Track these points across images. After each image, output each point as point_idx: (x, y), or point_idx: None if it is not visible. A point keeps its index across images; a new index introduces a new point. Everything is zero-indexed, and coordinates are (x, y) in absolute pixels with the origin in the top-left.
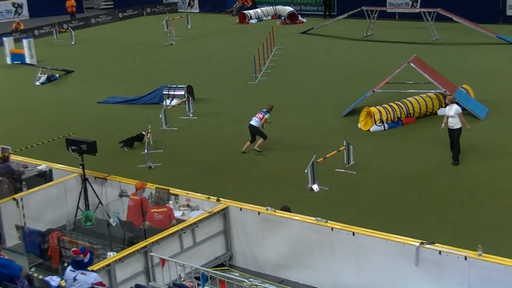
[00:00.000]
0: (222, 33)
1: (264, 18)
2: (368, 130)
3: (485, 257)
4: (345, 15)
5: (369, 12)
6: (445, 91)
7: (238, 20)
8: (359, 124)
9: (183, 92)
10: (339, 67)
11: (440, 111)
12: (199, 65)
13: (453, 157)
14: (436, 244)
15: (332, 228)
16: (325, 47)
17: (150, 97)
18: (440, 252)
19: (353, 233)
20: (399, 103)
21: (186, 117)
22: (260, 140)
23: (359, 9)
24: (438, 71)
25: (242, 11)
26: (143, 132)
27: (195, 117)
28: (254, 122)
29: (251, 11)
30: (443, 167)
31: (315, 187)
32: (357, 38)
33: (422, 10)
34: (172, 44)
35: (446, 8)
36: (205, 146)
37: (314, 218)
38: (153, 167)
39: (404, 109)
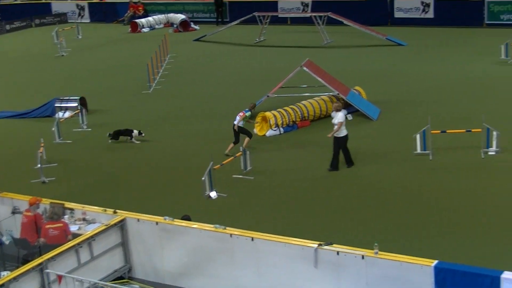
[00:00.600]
0: (114, 43)
1: (157, 26)
2: (264, 135)
3: (381, 254)
4: (238, 21)
5: (261, 17)
6: (338, 93)
7: (130, 29)
8: (255, 129)
9: (76, 104)
10: (234, 73)
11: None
12: (92, 76)
13: (346, 161)
14: (334, 245)
15: (231, 235)
16: (218, 54)
17: (41, 110)
18: (338, 253)
19: (252, 238)
20: (293, 107)
21: (80, 129)
22: (246, 140)
23: (251, 15)
24: (331, 74)
25: (134, 20)
26: (135, 131)
27: (89, 129)
28: (236, 121)
29: (143, 20)
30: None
31: (213, 194)
32: (251, 44)
33: (313, 14)
34: (63, 55)
35: (337, 11)
36: (100, 158)
37: (212, 226)
38: (47, 181)
39: (299, 113)
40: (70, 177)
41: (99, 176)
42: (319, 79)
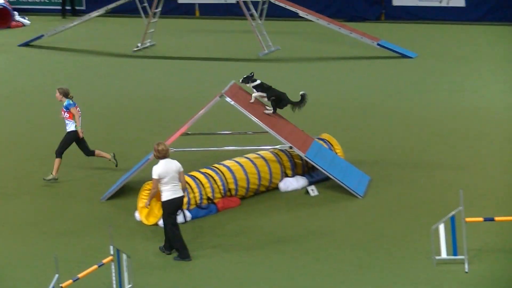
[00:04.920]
0: None
1: None
2: (156, 224)
3: None
4: (101, 11)
5: (147, 4)
6: (290, 147)
7: None
8: (137, 215)
9: None
10: (93, 105)
11: (285, 184)
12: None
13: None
14: None
15: None
16: (65, 71)
17: None
18: None
19: None
20: (208, 171)
21: None
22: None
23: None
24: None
25: None
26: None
27: None
28: None
29: None
30: None
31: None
32: (126, 54)
33: None
34: None
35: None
36: None
37: None
38: None
39: (220, 183)
40: None
41: None
42: (255, 119)
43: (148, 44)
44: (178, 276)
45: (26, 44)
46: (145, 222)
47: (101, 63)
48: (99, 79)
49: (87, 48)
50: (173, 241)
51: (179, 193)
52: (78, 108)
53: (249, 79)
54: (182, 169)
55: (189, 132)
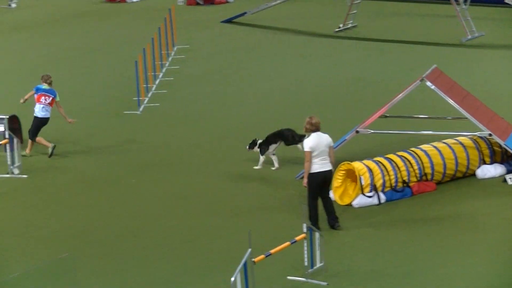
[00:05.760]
0: (76, 19)
1: None
2: (350, 204)
3: None
4: None
5: None
6: (490, 134)
7: None
8: (332, 194)
9: (1, 129)
10: (290, 84)
11: (482, 171)
12: (36, 79)
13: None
14: None
15: None
16: (265, 48)
17: None
18: None
19: None
20: (405, 155)
21: (7, 175)
22: None
23: None
24: (477, 98)
25: None
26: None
27: (25, 176)
28: None
29: None
30: None
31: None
32: (327, 34)
33: None
34: None
35: None
36: (41, 229)
37: None
38: None
39: (416, 166)
40: None
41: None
42: (456, 105)
43: (350, 25)
44: (373, 256)
45: (229, 21)
46: (339, 202)
47: (302, 42)
48: (299, 59)
49: (288, 27)
50: (309, 211)
51: (327, 167)
52: None
53: (254, 144)
54: (332, 144)
55: (387, 115)
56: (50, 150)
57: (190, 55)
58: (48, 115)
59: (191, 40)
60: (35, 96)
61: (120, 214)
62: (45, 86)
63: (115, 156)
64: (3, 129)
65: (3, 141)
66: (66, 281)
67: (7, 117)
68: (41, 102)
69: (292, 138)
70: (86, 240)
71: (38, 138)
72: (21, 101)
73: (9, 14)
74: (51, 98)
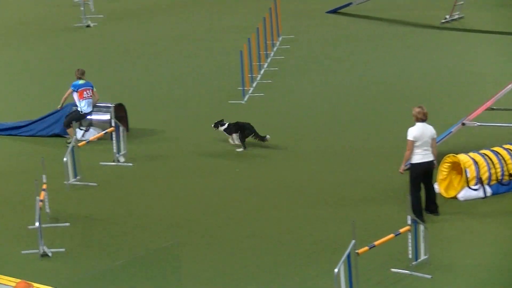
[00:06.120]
0: (178, 7)
1: None
2: (455, 197)
3: None
4: None
5: None
6: None
7: None
8: (437, 187)
9: (107, 117)
10: (397, 77)
11: None
12: (138, 67)
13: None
14: None
15: None
16: (371, 40)
17: (45, 123)
18: None
19: None
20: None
21: (113, 163)
22: None
23: None
24: None
25: None
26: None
27: (130, 164)
28: None
29: None
30: None
31: None
32: (433, 25)
33: None
34: (89, 26)
35: None
36: (147, 217)
37: None
38: (50, 254)
39: None
40: (89, 250)
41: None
42: None
43: (456, 16)
44: (478, 250)
45: (334, 11)
46: (444, 194)
47: (407, 33)
48: (405, 50)
49: (394, 18)
50: (411, 202)
51: (429, 158)
52: None
53: (218, 124)
54: (435, 136)
55: (494, 107)
56: (70, 141)
57: (295, 45)
58: (91, 109)
59: (296, 30)
60: (75, 93)
61: (223, 203)
62: (81, 81)
63: (219, 145)
64: (109, 117)
65: (109, 129)
66: (171, 269)
67: (114, 105)
68: (85, 97)
69: (248, 131)
70: (189, 229)
71: (70, 129)
72: (58, 107)
73: (116, 1)
74: (91, 91)
